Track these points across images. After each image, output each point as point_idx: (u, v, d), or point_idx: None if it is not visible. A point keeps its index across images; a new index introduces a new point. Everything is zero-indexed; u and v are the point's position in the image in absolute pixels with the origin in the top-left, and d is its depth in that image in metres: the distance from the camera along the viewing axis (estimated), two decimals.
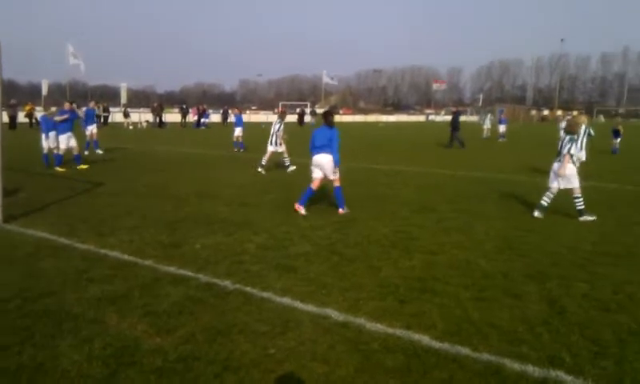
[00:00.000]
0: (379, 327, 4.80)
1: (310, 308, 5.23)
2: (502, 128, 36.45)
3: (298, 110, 64.86)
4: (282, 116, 17.28)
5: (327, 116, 10.21)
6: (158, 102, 59.27)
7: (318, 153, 9.91)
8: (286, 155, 16.65)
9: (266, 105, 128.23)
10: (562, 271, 6.53)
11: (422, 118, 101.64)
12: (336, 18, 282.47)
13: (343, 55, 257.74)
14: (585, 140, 16.95)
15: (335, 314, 5.06)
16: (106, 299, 5.38)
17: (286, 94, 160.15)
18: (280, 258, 6.93)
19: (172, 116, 58.96)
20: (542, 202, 9.89)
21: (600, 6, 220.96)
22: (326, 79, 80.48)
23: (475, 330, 4.79)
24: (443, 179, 15.10)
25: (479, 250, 7.48)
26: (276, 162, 17.08)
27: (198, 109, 54.85)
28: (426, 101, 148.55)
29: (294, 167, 16.26)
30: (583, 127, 16.54)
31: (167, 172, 16.07)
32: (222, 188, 12.93)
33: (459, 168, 17.59)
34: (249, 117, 72.02)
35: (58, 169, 15.65)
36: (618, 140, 25.46)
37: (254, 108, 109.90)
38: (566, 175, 9.70)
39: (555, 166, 9.96)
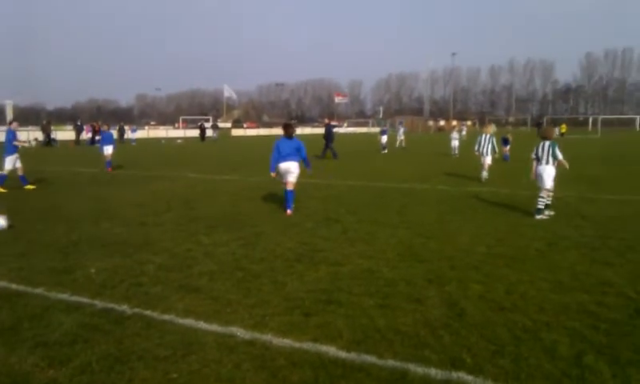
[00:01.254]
0: (286, 342, 4.74)
1: (215, 327, 5.08)
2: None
3: (199, 124, 63.43)
4: None
5: (287, 128, 11.77)
6: (47, 120, 56.04)
7: (285, 160, 11.31)
8: None
9: (165, 119, 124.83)
10: (460, 274, 6.80)
11: (324, 130, 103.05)
12: (236, 31, 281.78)
13: (245, 69, 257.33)
14: (489, 147, 17.90)
15: (241, 332, 4.95)
16: None
17: (186, 109, 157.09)
18: (182, 278, 6.70)
19: (65, 133, 55.99)
20: (541, 203, 10.77)
21: (487, 20, 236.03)
22: (226, 93, 79.70)
23: (380, 337, 4.85)
24: (346, 190, 15.33)
25: (382, 258, 7.62)
26: (172, 178, 16.61)
27: (93, 126, 52.42)
28: (329, 113, 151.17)
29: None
30: (488, 135, 18.06)
31: (59, 193, 15.16)
32: (119, 207, 12.37)
33: (360, 178, 17.96)
34: (147, 133, 69.96)
35: None
36: (508, 147, 27.11)
37: (152, 123, 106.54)
38: (549, 175, 10.91)
39: (539, 168, 11.00)
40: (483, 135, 18.32)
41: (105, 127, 26.27)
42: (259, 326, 5.13)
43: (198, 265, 7.30)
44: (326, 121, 34.13)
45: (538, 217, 10.61)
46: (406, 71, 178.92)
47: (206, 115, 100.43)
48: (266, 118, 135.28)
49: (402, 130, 39.92)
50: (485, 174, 17.76)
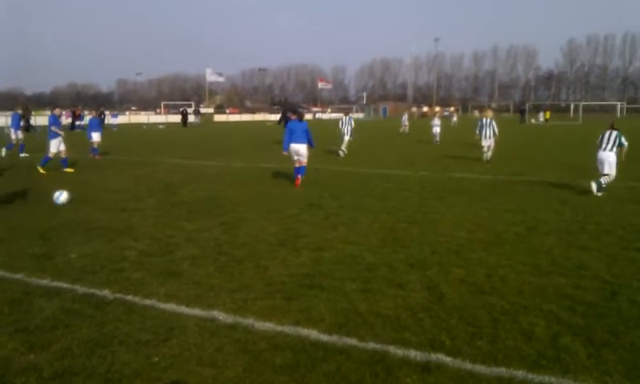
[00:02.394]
0: (268, 326, 4.78)
1: (197, 312, 5.10)
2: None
3: (181, 109, 62.85)
4: None
5: (298, 113, 14.58)
6: (25, 105, 55.17)
7: (297, 142, 13.27)
8: None
9: (147, 105, 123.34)
10: (441, 259, 6.87)
11: (309, 116, 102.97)
12: (219, 15, 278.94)
13: (227, 54, 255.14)
14: (490, 130, 18.71)
15: (223, 316, 4.97)
16: None
17: (168, 94, 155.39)
18: (164, 263, 6.69)
19: (44, 119, 55.17)
20: (598, 183, 11.75)
21: (470, 5, 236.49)
22: (210, 77, 78.81)
23: (362, 321, 4.91)
24: (329, 176, 15.35)
25: (365, 243, 7.67)
26: (154, 163, 16.51)
27: (73, 111, 51.79)
28: (313, 99, 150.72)
29: None
30: (488, 119, 18.92)
31: (39, 178, 14.98)
32: (100, 193, 12.28)
33: (343, 164, 17.99)
34: (128, 118, 69.26)
35: None
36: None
37: (134, 108, 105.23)
38: (610, 162, 11.99)
39: (601, 155, 12.10)
40: (483, 119, 19.12)
41: (93, 113, 26.00)
42: (241, 310, 5.15)
43: (179, 250, 7.29)
44: (299, 113, 34.10)
45: (599, 193, 11.61)
46: (390, 57, 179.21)
47: (188, 101, 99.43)
48: (248, 104, 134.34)
49: (405, 118, 39.76)
50: (488, 154, 18.81)
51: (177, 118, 60.31)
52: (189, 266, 6.58)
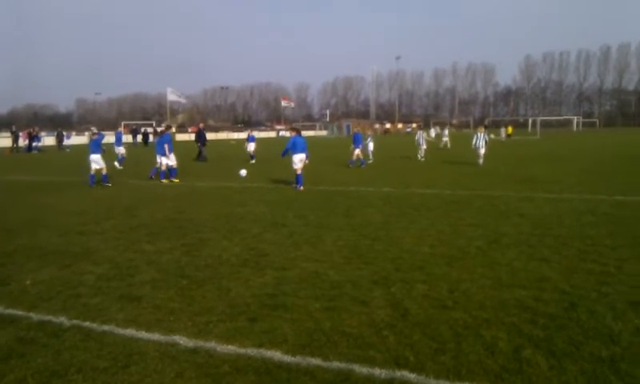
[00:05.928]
0: (230, 349, 4.69)
1: (157, 337, 4.98)
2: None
3: (142, 130, 62.17)
4: None
5: (298, 130, 17.70)
6: None
7: (300, 152, 16.48)
8: None
9: (107, 125, 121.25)
10: (404, 275, 6.89)
11: (272, 134, 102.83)
12: (180, 34, 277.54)
13: (188, 72, 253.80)
14: (482, 142, 23.85)
15: (184, 341, 4.87)
16: None
17: (128, 114, 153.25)
18: (123, 287, 6.52)
19: (1, 141, 53.91)
20: None
21: (429, 23, 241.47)
22: (171, 96, 78.05)
23: (326, 340, 4.87)
24: (292, 194, 15.32)
25: (329, 261, 7.65)
26: (113, 184, 16.19)
27: (29, 132, 50.61)
28: (276, 117, 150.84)
29: None
30: (481, 134, 24.15)
31: None
32: (58, 216, 11.96)
33: (307, 182, 17.93)
34: (87, 139, 67.98)
35: None
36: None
37: (93, 129, 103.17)
38: None
39: None
40: (477, 134, 24.49)
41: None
42: (203, 333, 5.05)
43: (139, 273, 7.13)
44: (201, 125, 34.32)
45: None
46: (352, 74, 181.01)
47: (149, 120, 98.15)
48: (211, 122, 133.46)
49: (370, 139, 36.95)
50: (480, 161, 23.63)
51: (138, 138, 59.50)
52: (149, 289, 6.43)
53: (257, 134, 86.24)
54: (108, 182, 18.38)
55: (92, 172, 18.26)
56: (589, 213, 11.21)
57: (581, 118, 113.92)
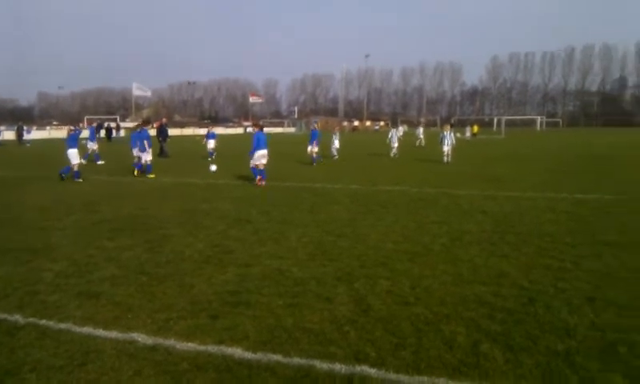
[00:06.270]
0: (190, 346, 4.65)
1: (115, 335, 4.90)
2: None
3: (106, 125, 61.11)
4: None
5: (262, 127, 17.89)
6: None
7: (263, 148, 16.54)
8: None
9: (70, 119, 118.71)
10: (368, 271, 6.93)
11: (240, 130, 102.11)
12: (147, 27, 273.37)
13: (154, 67, 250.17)
14: (448, 139, 24.93)
15: (142, 338, 4.80)
16: None
17: (92, 108, 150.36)
18: (82, 284, 6.40)
19: None
20: None
21: (398, 22, 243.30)
22: (136, 91, 76.95)
23: (288, 336, 4.86)
24: (258, 191, 15.24)
25: (293, 258, 7.63)
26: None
27: None
28: (244, 113, 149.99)
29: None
30: (447, 132, 25.29)
31: None
32: (18, 212, 11.66)
33: (273, 179, 17.87)
34: (49, 133, 66.72)
35: None
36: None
37: (55, 123, 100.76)
38: None
39: None
40: (444, 132, 25.52)
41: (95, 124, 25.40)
42: (162, 330, 4.99)
43: (99, 270, 7.00)
44: (164, 120, 33.95)
45: None
46: (321, 72, 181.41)
47: (113, 115, 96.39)
48: (177, 118, 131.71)
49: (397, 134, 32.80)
50: (446, 158, 24.61)
51: (101, 132, 58.42)
52: (108, 286, 6.32)
53: (223, 131, 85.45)
54: (80, 178, 18.08)
55: (75, 168, 18.21)
56: (549, 211, 11.45)
57: (545, 117, 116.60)
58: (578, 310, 5.48)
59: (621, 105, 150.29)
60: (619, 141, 49.96)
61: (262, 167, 16.59)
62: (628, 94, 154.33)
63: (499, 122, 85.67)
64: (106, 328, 5.04)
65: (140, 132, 20.34)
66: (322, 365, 4.29)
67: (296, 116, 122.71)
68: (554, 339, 4.78)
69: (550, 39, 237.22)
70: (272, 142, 20.63)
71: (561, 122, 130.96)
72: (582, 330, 4.97)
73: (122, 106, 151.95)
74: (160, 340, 4.76)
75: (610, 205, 12.12)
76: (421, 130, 44.33)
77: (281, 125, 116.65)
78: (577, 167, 22.51)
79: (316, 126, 26.78)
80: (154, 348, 4.60)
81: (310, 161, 24.04)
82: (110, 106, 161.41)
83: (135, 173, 19.68)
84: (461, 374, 4.16)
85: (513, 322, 5.16)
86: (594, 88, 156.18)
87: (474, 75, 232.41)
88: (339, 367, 4.26)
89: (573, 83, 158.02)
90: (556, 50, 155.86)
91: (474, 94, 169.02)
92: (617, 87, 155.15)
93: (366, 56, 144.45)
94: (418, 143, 41.09)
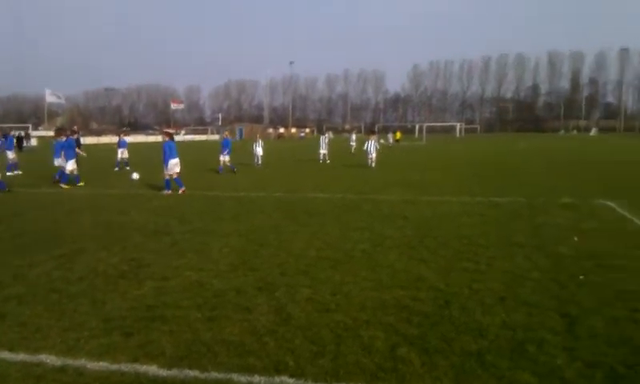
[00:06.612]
0: (102, 365, 4.46)
1: (21, 357, 4.63)
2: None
3: (17, 133, 58.04)
4: None
5: (172, 135, 17.76)
6: None
7: (175, 158, 16.35)
8: None
9: None
10: (290, 280, 6.90)
11: (160, 138, 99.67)
12: (60, 31, 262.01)
13: (69, 73, 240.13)
14: (373, 147, 26.01)
15: (51, 359, 4.56)
16: None
17: (3, 116, 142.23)
18: None
19: None
20: None
21: (324, 30, 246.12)
22: (50, 98, 73.47)
23: (205, 350, 4.76)
24: (177, 200, 14.90)
25: (213, 269, 7.48)
26: None
27: None
28: (165, 120, 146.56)
29: None
30: (372, 141, 26.25)
31: None
32: None
33: (193, 188, 17.52)
34: None
35: None
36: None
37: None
38: None
39: None
40: (369, 140, 26.53)
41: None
42: (73, 350, 4.75)
43: (4, 289, 6.57)
44: (75, 128, 32.90)
45: None
46: (246, 78, 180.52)
47: (25, 123, 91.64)
48: (94, 125, 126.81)
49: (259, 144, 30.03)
50: (371, 163, 25.66)
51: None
52: (15, 306, 5.95)
53: (144, 139, 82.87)
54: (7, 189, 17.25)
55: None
56: (465, 214, 11.87)
57: (463, 124, 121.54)
58: (490, 310, 5.70)
59: (534, 111, 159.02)
60: (532, 146, 52.73)
61: (176, 176, 16.38)
62: (541, 101, 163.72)
63: (420, 128, 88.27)
64: (11, 350, 4.75)
65: (66, 141, 19.47)
66: (240, 378, 4.23)
67: (220, 123, 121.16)
68: (467, 340, 4.93)
69: (468, 48, 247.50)
70: (195, 150, 20.28)
71: (478, 128, 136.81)
72: (493, 330, 5.16)
73: (34, 113, 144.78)
74: (69, 360, 4.53)
75: (522, 207, 12.72)
76: (354, 136, 44.45)
77: (204, 132, 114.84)
78: (492, 172, 23.53)
79: (226, 134, 26.46)
80: (62, 369, 4.37)
81: (236, 168, 23.85)
82: (22, 113, 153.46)
83: (63, 186, 18.47)
84: (378, 379, 4.21)
85: (429, 325, 5.29)
86: (509, 95, 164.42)
87: (396, 83, 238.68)
88: (258, 379, 4.21)
89: (489, 91, 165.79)
90: (474, 59, 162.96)
91: (396, 101, 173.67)
92: (530, 94, 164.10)
93: (291, 63, 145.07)
94: (353, 150, 39.72)
